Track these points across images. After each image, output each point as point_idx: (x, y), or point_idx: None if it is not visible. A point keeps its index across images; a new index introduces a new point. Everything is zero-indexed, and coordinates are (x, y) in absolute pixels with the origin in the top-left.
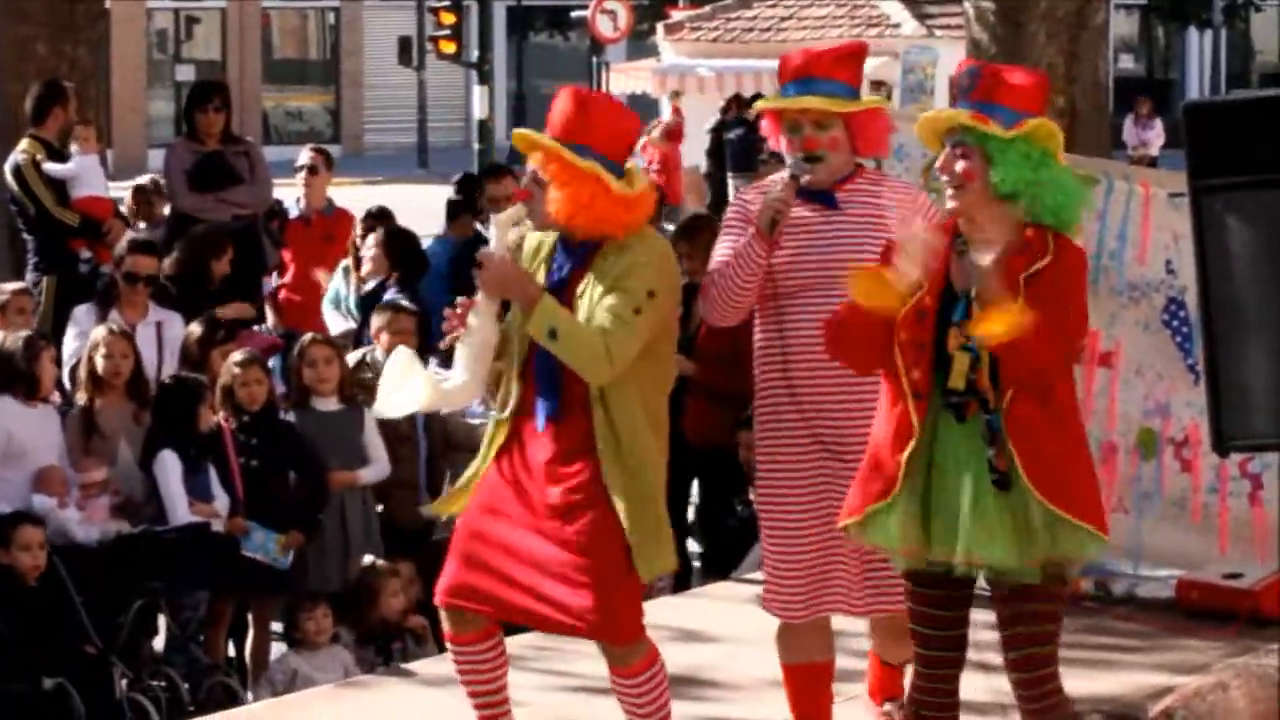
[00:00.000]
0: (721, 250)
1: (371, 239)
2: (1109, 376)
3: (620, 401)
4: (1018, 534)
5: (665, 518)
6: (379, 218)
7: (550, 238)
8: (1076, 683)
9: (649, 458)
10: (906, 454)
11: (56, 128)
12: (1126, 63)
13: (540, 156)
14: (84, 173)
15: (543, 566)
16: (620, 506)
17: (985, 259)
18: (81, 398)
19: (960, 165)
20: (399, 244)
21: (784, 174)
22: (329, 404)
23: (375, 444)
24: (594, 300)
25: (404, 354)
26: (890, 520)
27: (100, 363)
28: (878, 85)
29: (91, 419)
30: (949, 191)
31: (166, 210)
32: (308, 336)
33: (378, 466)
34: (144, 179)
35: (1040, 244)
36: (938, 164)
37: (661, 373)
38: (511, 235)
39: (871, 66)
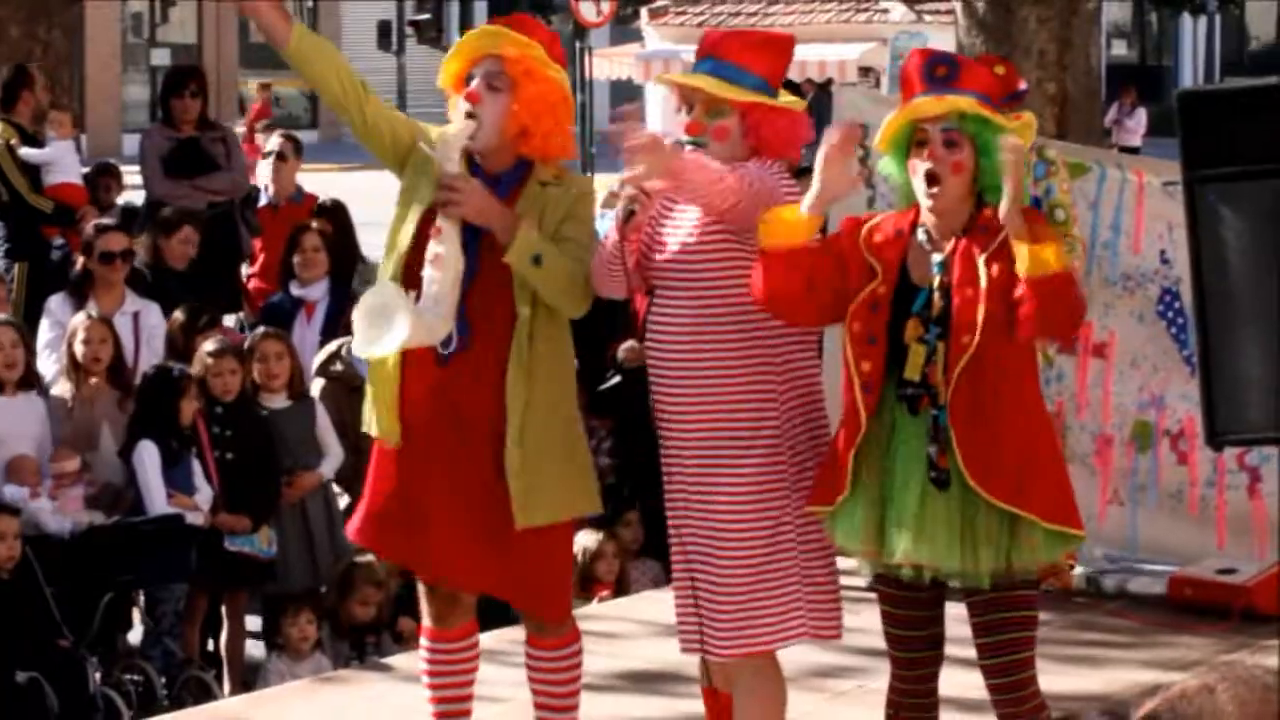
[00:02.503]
0: None
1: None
2: (1103, 368)
3: (544, 340)
4: (966, 536)
5: (569, 460)
6: (333, 212)
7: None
8: (1066, 680)
9: (560, 401)
10: (854, 450)
11: (28, 112)
12: (1119, 49)
13: (514, 53)
14: (59, 158)
15: (471, 529)
16: (514, 453)
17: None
18: (66, 386)
19: (952, 156)
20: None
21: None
22: (278, 401)
23: (328, 437)
24: (544, 228)
25: (387, 289)
26: (852, 520)
27: (79, 349)
28: (865, 71)
29: (74, 407)
30: (929, 183)
31: (119, 199)
32: (259, 330)
33: (333, 459)
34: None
35: (996, 222)
36: (925, 154)
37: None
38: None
39: (859, 52)
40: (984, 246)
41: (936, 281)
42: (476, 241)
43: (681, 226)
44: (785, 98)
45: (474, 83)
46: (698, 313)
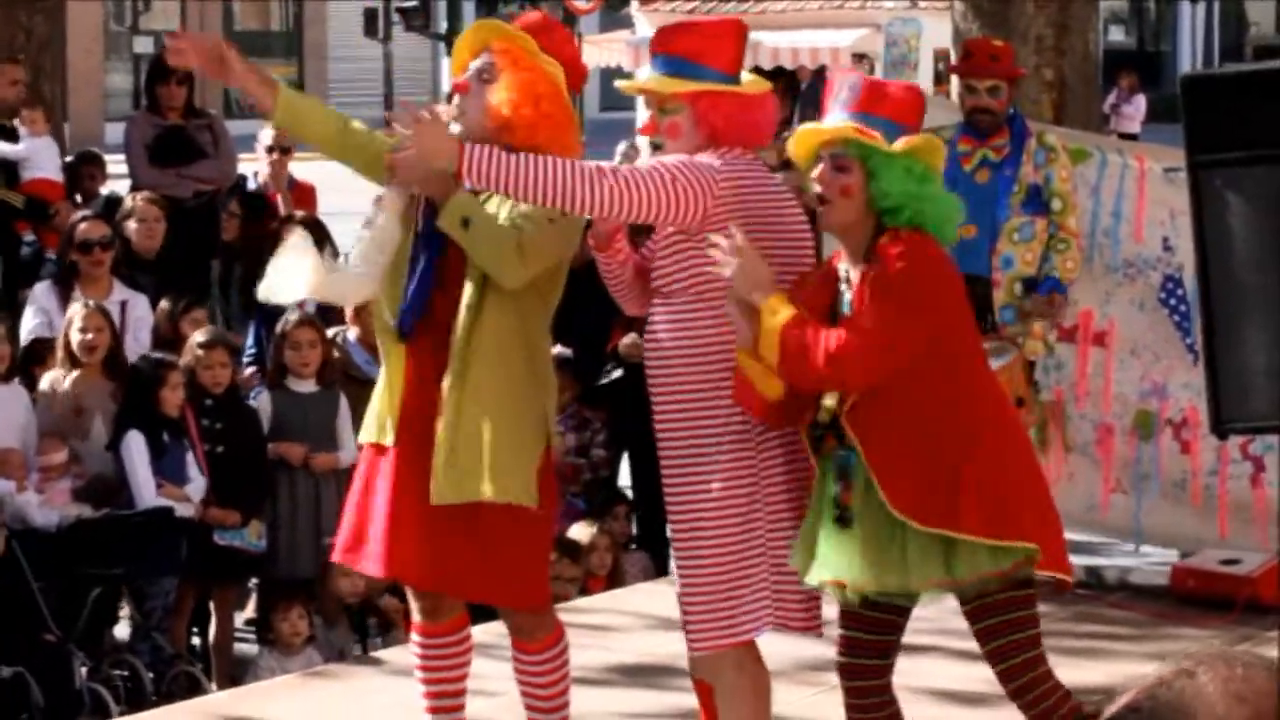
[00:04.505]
0: None
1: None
2: (1103, 356)
3: (493, 319)
4: (898, 558)
5: (506, 441)
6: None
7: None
8: (1067, 672)
9: (509, 379)
10: (815, 486)
11: None
12: (1117, 35)
13: (501, 43)
14: (34, 154)
15: (431, 526)
16: (442, 430)
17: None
18: (58, 375)
19: (840, 180)
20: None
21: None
22: (306, 386)
23: (347, 430)
24: (505, 205)
25: (297, 235)
26: (805, 546)
27: (75, 338)
28: (859, 58)
29: (66, 397)
30: (822, 206)
31: (104, 189)
32: (292, 316)
33: (349, 451)
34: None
35: (886, 251)
36: (814, 175)
37: (547, 316)
38: None
39: (853, 39)
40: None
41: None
42: (444, 235)
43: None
44: (747, 80)
45: (466, 74)
46: (676, 311)
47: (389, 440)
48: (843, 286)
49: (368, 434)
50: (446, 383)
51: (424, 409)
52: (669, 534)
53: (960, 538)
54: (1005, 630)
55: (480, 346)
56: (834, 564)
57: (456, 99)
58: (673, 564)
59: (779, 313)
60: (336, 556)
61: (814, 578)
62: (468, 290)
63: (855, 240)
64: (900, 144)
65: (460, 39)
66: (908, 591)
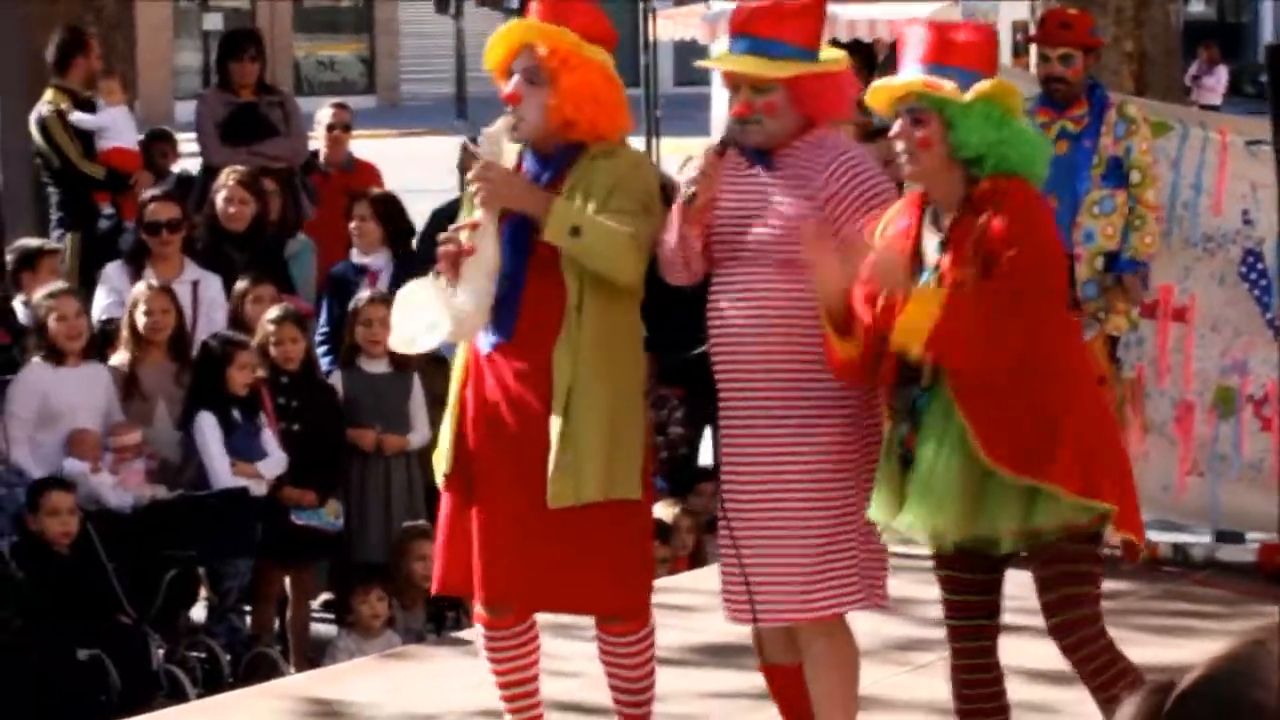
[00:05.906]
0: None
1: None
2: (1183, 332)
3: (596, 316)
4: (978, 507)
5: (620, 437)
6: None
7: (512, 152)
8: (1152, 651)
9: (617, 376)
10: (887, 430)
11: (80, 77)
12: (1197, 6)
13: (544, 47)
14: (113, 124)
15: (522, 544)
16: (555, 427)
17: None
18: (123, 357)
19: (917, 133)
20: (390, 211)
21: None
22: (378, 366)
23: (420, 411)
24: (593, 203)
25: (422, 285)
26: (879, 495)
27: (140, 319)
28: None
29: (133, 379)
30: (904, 159)
31: (175, 167)
32: (364, 294)
33: (420, 433)
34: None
35: (989, 199)
36: (893, 132)
37: (639, 305)
38: (507, 150)
39: (930, 11)
40: (974, 227)
41: (934, 263)
42: (529, 234)
43: (763, 199)
44: (826, 54)
45: (513, 81)
46: (788, 281)
47: (448, 469)
48: (926, 233)
49: (439, 474)
50: (556, 379)
51: (501, 416)
52: (736, 502)
53: (1048, 488)
54: (1065, 582)
55: (586, 345)
56: (921, 511)
57: (510, 110)
58: (725, 533)
59: (925, 305)
60: (436, 589)
61: (902, 523)
62: (571, 290)
63: (942, 191)
64: (972, 92)
65: (491, 42)
66: (995, 538)
